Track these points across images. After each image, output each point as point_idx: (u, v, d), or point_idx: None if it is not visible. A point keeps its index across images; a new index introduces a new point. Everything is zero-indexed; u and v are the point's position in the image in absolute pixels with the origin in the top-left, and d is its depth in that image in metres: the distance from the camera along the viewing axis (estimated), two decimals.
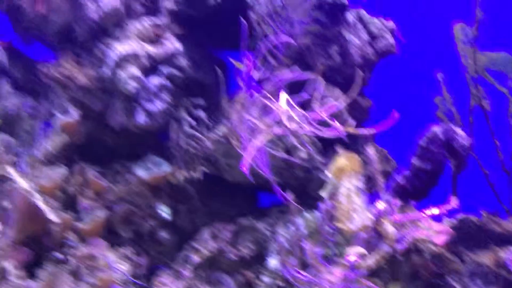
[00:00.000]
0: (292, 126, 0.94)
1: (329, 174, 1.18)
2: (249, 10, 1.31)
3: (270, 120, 1.01)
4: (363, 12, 1.37)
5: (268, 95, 1.11)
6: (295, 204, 1.07)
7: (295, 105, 0.97)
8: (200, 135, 1.32)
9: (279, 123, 1.00)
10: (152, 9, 1.42)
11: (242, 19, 1.19)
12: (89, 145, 1.42)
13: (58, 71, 1.35)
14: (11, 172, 1.24)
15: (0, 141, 1.38)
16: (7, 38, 1.47)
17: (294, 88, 1.11)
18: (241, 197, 1.38)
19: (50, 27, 1.39)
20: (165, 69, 1.33)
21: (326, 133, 0.95)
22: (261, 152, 1.03)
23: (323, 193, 1.18)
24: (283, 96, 0.96)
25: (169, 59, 1.34)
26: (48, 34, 1.41)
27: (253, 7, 1.31)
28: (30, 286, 1.17)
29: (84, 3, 1.35)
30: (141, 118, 1.32)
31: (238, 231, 1.29)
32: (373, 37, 1.35)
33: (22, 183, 1.20)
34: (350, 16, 1.34)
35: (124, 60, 1.30)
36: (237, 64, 1.17)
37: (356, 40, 1.32)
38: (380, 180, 1.11)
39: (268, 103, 1.04)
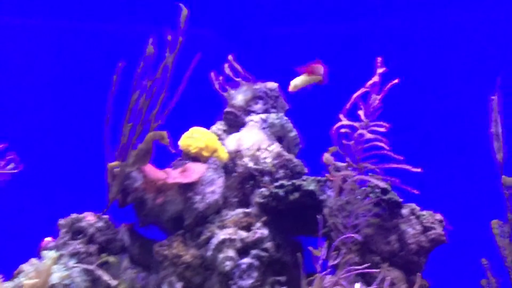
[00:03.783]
0: None
1: None
2: (322, 204, 1.65)
3: None
4: (414, 206, 1.68)
5: (341, 279, 1.38)
6: None
7: None
8: None
9: None
10: (244, 201, 1.80)
11: (318, 214, 1.53)
12: None
13: (168, 250, 1.71)
14: None
15: None
16: (130, 221, 1.87)
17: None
18: None
19: (165, 214, 1.77)
20: (254, 251, 1.65)
21: None
22: None
23: None
24: (357, 285, 1.22)
25: (257, 243, 1.66)
26: (163, 220, 1.78)
27: (324, 201, 1.65)
28: None
29: (192, 197, 1.75)
30: None
31: None
32: (425, 227, 1.64)
33: None
34: (404, 210, 1.65)
35: (222, 243, 1.64)
36: (314, 251, 1.47)
37: (411, 230, 1.61)
38: None
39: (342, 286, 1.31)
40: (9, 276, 1.67)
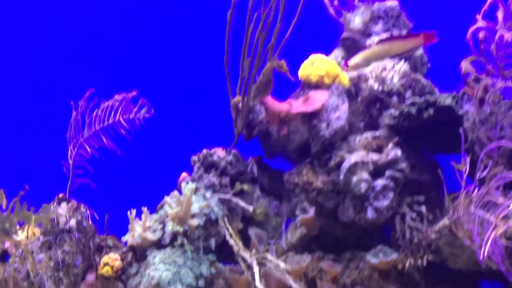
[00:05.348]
0: None
1: None
2: (461, 118, 1.54)
3: (498, 215, 1.18)
4: None
5: (490, 193, 1.29)
6: None
7: None
8: (422, 227, 1.53)
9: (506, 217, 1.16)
10: (371, 125, 1.74)
11: (457, 129, 1.43)
12: (322, 236, 1.72)
13: (298, 178, 1.72)
14: (269, 257, 1.58)
15: (254, 233, 1.76)
16: (257, 154, 1.92)
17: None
18: (464, 284, 1.51)
19: (291, 144, 1.78)
20: (388, 172, 1.60)
21: None
22: (493, 242, 1.19)
23: None
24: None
25: (390, 164, 1.61)
26: (289, 150, 1.80)
27: (464, 116, 1.54)
28: None
29: (317, 125, 1.73)
30: (369, 214, 1.59)
31: None
32: None
33: (281, 264, 1.52)
34: None
35: (355, 166, 1.61)
36: (458, 166, 1.39)
37: None
38: None
39: (494, 199, 1.22)
40: (153, 210, 1.80)
